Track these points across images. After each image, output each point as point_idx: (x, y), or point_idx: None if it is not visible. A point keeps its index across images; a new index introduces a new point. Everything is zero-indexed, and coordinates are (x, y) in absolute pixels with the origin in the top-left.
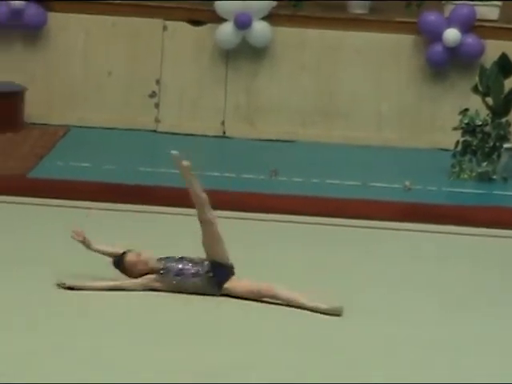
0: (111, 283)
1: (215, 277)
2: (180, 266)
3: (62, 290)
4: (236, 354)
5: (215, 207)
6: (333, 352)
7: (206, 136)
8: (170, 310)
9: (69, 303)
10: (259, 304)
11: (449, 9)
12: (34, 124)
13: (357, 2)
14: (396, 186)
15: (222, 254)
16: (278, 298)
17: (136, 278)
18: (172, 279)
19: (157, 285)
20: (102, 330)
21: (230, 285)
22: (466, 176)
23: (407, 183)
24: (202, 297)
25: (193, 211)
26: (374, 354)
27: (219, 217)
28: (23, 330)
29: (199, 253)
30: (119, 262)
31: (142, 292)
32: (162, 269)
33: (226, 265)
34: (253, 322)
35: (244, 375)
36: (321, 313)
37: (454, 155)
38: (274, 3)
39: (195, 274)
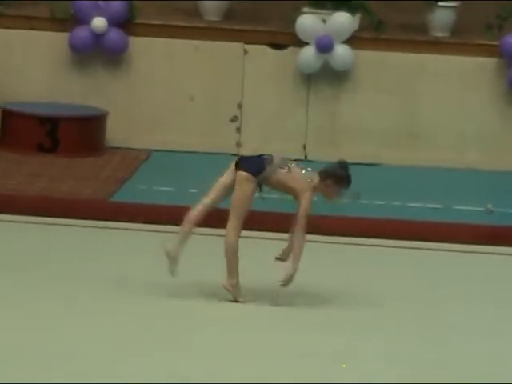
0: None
1: None
2: None
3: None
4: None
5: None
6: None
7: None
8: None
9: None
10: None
11: None
12: (116, 148)
13: (438, 24)
14: (478, 208)
15: None
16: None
17: None
18: None
19: None
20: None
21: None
22: None
23: (489, 206)
24: None
25: (266, 234)
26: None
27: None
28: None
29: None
30: None
31: None
32: None
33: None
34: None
35: None
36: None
37: None
38: (356, 26)
39: None
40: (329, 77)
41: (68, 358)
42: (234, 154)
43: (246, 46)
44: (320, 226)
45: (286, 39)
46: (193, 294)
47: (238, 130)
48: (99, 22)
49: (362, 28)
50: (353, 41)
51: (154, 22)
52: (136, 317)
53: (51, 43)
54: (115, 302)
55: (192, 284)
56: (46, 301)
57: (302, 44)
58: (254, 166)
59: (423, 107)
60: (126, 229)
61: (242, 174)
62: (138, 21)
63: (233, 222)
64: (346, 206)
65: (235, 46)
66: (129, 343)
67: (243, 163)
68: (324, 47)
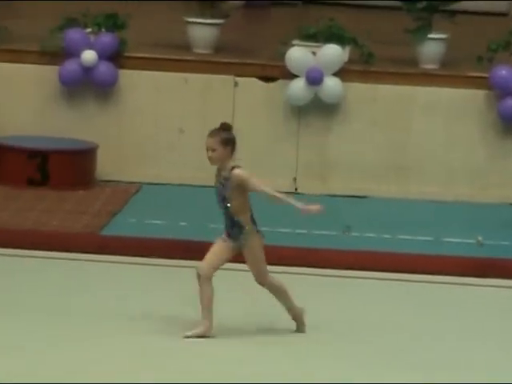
0: None
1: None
2: None
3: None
4: None
5: (287, 263)
6: None
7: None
8: None
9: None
10: None
11: None
12: (106, 181)
13: (428, 56)
14: (468, 241)
15: None
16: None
17: None
18: None
19: None
20: None
21: None
22: None
23: (479, 238)
24: None
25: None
26: None
27: (291, 273)
28: None
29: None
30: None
31: None
32: None
33: None
34: None
35: None
36: None
37: None
38: (346, 59)
39: None
40: (319, 109)
41: None
42: None
43: (237, 79)
44: (310, 258)
45: (275, 72)
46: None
47: None
48: (89, 55)
49: (351, 61)
50: (343, 73)
51: (143, 55)
52: (126, 352)
53: (40, 77)
54: (104, 334)
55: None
56: (35, 335)
57: (291, 76)
58: None
59: (412, 139)
60: (117, 262)
61: None
62: (127, 54)
63: None
64: (336, 238)
65: (225, 79)
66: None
67: None
68: (314, 80)
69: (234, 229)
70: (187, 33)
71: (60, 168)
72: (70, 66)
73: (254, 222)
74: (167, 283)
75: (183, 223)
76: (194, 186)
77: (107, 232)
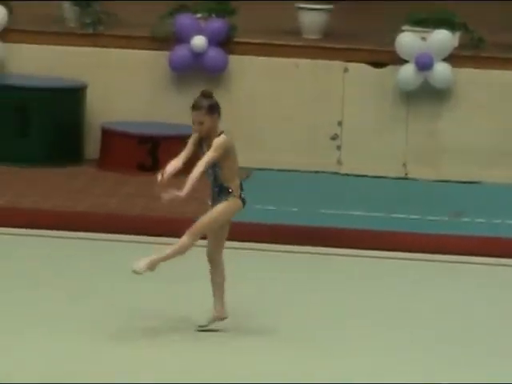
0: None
1: None
2: None
3: None
4: None
5: (398, 249)
6: None
7: (387, 178)
8: None
9: None
10: None
11: None
12: None
13: None
14: None
15: None
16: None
17: None
18: None
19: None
20: None
21: None
22: None
23: None
24: None
25: (371, 253)
26: None
27: (404, 259)
28: None
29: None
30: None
31: None
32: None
33: None
34: None
35: None
36: None
37: None
38: (456, 44)
39: None
40: (428, 95)
41: None
42: (334, 173)
43: (347, 64)
44: (421, 243)
45: (385, 57)
46: None
47: (339, 147)
48: (199, 41)
49: (461, 46)
50: (452, 59)
51: (253, 41)
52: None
53: (151, 62)
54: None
55: None
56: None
57: (401, 62)
58: None
59: None
60: (228, 248)
61: None
62: (237, 39)
63: None
64: (447, 224)
65: (336, 64)
66: None
67: None
68: (424, 65)
69: (221, 195)
70: (297, 18)
71: (170, 154)
72: (180, 51)
73: (241, 188)
74: (276, 268)
75: (294, 209)
76: (304, 171)
77: None
